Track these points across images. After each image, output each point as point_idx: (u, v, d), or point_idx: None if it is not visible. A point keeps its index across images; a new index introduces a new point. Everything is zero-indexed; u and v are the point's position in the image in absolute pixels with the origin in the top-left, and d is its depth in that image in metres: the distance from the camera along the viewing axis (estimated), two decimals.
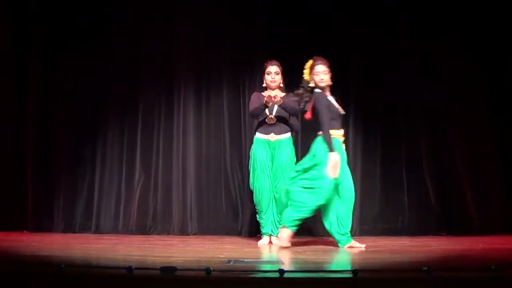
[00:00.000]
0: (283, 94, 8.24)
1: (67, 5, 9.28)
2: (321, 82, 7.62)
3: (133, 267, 4.95)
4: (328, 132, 7.40)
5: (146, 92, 9.40)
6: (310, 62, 7.69)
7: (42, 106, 9.26)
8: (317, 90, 7.61)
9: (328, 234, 7.98)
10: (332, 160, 7.37)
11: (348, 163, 9.24)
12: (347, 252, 7.24)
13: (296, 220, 7.54)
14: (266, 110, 8.11)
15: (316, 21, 9.35)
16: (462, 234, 8.91)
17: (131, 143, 9.07)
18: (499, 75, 9.20)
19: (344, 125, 8.13)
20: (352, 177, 9.08)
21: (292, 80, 8.12)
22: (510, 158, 9.31)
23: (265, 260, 6.52)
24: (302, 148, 9.10)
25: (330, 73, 7.68)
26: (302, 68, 7.83)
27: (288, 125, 8.21)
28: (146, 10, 9.43)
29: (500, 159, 9.35)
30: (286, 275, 4.90)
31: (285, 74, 8.37)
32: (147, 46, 9.41)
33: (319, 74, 7.62)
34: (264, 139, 8.16)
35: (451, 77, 9.39)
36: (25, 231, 9.06)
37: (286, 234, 7.53)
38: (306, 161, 7.61)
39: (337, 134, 7.59)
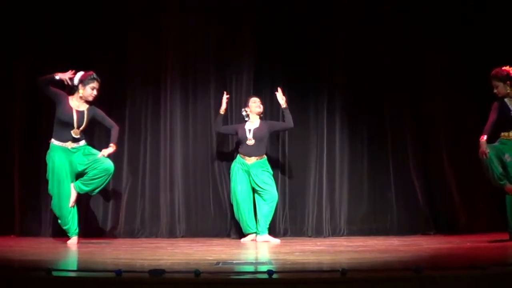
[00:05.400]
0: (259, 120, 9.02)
1: (51, 6, 9.24)
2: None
3: (121, 270, 4.94)
4: None
5: (132, 94, 9.37)
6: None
7: (28, 108, 9.19)
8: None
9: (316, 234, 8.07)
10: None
11: (335, 164, 9.34)
12: (335, 252, 7.24)
13: None
14: (247, 133, 8.83)
15: (302, 18, 9.39)
16: (450, 233, 8.95)
17: (118, 145, 9.00)
18: (483, 78, 9.27)
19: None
20: (340, 178, 9.22)
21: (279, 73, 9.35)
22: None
23: (253, 261, 6.52)
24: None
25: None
26: (288, 61, 9.23)
27: (265, 146, 9.00)
28: (133, 10, 9.38)
29: None
30: (274, 276, 4.90)
31: (273, 75, 9.17)
32: (133, 47, 9.37)
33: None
34: (242, 158, 8.83)
35: (438, 80, 9.43)
36: (12, 235, 9.01)
37: None
38: None
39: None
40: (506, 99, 8.08)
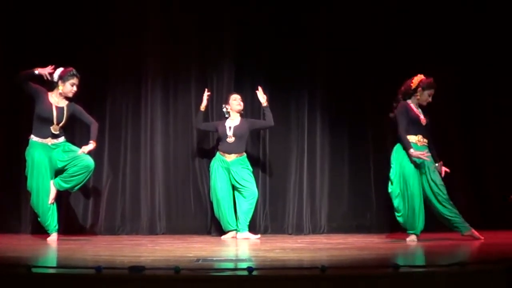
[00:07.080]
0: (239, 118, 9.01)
1: (33, 4, 9.20)
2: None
3: (102, 267, 4.94)
4: None
5: (113, 91, 9.34)
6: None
7: (7, 105, 9.14)
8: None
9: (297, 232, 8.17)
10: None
11: (316, 162, 9.35)
12: (315, 249, 7.26)
13: None
14: (227, 130, 8.82)
15: (284, 17, 9.40)
16: (429, 230, 8.98)
17: (98, 142, 8.96)
18: (471, 80, 9.39)
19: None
20: (321, 175, 9.22)
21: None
22: (475, 158, 9.54)
23: (233, 258, 6.53)
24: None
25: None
26: (269, 59, 9.27)
27: (245, 143, 9.00)
28: (115, 9, 9.34)
29: (465, 158, 9.57)
30: (254, 273, 4.92)
31: (254, 73, 9.16)
32: (114, 44, 9.35)
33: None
34: (222, 156, 8.84)
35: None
36: None
37: None
38: None
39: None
40: (411, 101, 8.19)
